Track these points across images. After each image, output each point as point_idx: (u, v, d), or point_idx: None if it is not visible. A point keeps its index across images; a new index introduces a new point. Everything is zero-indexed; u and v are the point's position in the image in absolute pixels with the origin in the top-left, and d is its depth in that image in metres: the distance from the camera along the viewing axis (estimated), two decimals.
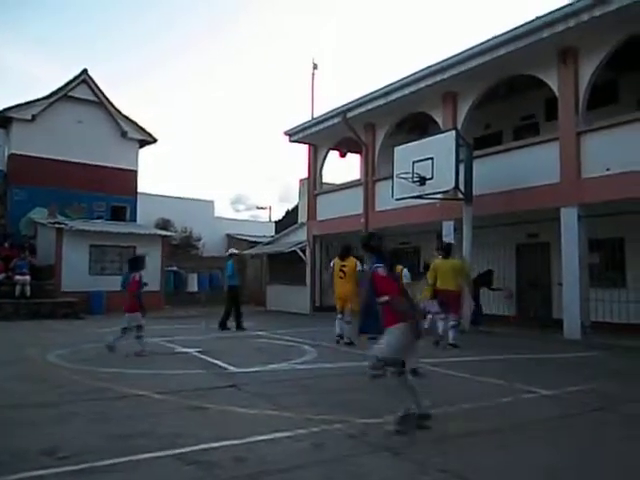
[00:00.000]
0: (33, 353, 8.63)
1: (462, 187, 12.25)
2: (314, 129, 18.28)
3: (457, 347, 9.37)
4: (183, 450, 3.81)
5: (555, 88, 11.84)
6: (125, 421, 4.63)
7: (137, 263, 9.43)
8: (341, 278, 10.07)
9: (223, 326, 12.63)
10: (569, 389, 6.02)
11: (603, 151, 10.90)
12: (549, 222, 12.04)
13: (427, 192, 12.57)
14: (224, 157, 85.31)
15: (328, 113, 17.52)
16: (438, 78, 13.50)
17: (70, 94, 22.01)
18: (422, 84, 13.98)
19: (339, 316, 10.26)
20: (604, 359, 8.65)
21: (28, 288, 16.54)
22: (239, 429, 4.36)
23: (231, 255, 13.61)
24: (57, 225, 18.66)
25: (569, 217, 11.32)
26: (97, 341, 10.36)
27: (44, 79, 69.82)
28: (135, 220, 23.25)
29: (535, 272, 14.24)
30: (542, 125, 14.76)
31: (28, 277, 16.74)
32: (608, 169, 10.72)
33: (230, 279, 13.12)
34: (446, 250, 10.25)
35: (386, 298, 4.36)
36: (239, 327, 12.66)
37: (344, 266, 10.10)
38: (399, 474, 3.46)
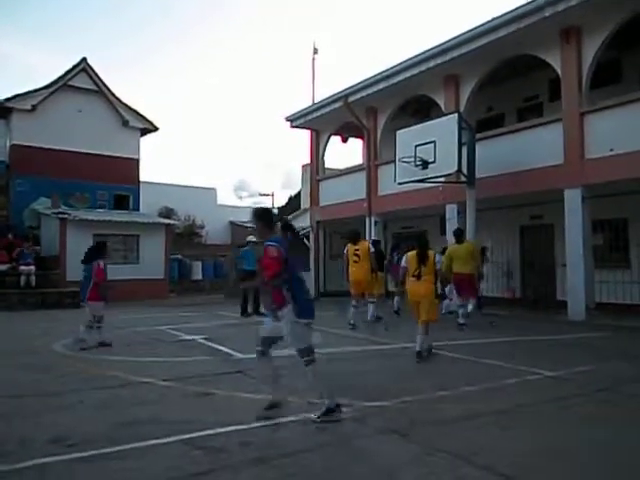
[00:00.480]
0: (39, 342, 8.68)
1: (465, 170, 12.20)
2: (315, 114, 18.18)
3: (463, 329, 9.43)
4: (190, 436, 3.84)
5: (558, 68, 11.72)
6: (131, 408, 4.66)
7: (99, 251, 8.76)
8: (355, 262, 10.01)
9: (244, 312, 12.69)
10: (573, 370, 6.03)
11: (607, 131, 10.81)
12: (553, 204, 11.99)
13: (430, 176, 12.52)
14: (226, 144, 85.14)
15: (329, 98, 17.40)
16: (440, 60, 13.38)
17: (70, 83, 21.94)
18: (424, 67, 13.87)
19: (354, 302, 10.11)
20: (608, 340, 8.65)
21: (33, 278, 16.62)
22: (245, 414, 4.38)
23: (248, 242, 13.66)
24: (60, 215, 18.70)
25: (573, 198, 11.27)
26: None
27: (42, 68, 69.54)
28: (138, 209, 23.27)
29: (539, 254, 14.22)
30: (546, 106, 14.64)
31: (33, 267, 16.81)
32: (612, 149, 10.64)
33: (248, 264, 12.97)
34: (457, 235, 10.39)
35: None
36: (257, 312, 12.46)
37: (357, 249, 10.07)
38: (403, 456, 3.48)
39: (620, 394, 5.08)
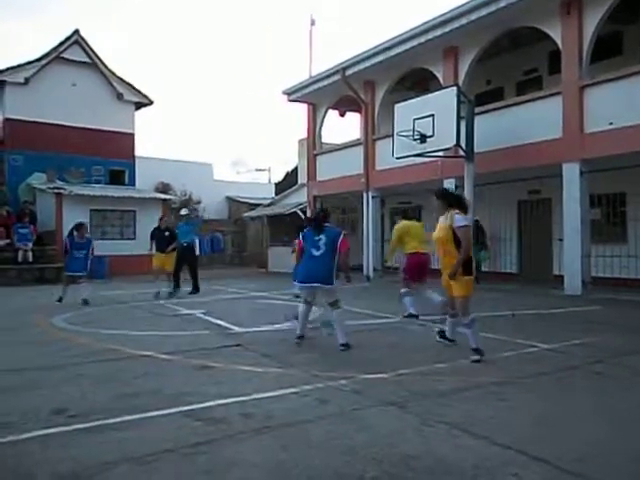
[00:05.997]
0: (38, 317, 8.71)
1: (463, 144, 12.13)
2: (313, 87, 17.98)
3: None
4: (191, 407, 3.88)
5: (558, 40, 11.57)
6: (132, 381, 4.70)
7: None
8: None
9: (176, 287, 11.91)
10: (570, 342, 6.09)
11: (606, 105, 10.74)
12: (551, 178, 11.97)
13: (428, 150, 12.45)
14: (222, 119, 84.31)
15: (327, 71, 17.19)
16: (439, 32, 13.20)
17: (63, 56, 21.56)
18: (422, 39, 13.67)
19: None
20: (605, 313, 8.73)
21: (30, 254, 16.62)
22: (245, 386, 4.43)
23: (182, 216, 13.14)
24: (56, 190, 18.58)
25: (571, 173, 11.24)
26: (100, 304, 10.48)
27: (32, 40, 68.30)
28: (134, 184, 23.13)
29: (536, 228, 14.25)
30: (545, 79, 14.51)
31: (30, 242, 16.80)
32: (611, 123, 10.58)
33: (183, 238, 12.12)
34: (405, 215, 8.84)
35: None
36: (195, 289, 12.24)
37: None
38: (403, 426, 3.53)
39: (615, 366, 5.14)
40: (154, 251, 11.89)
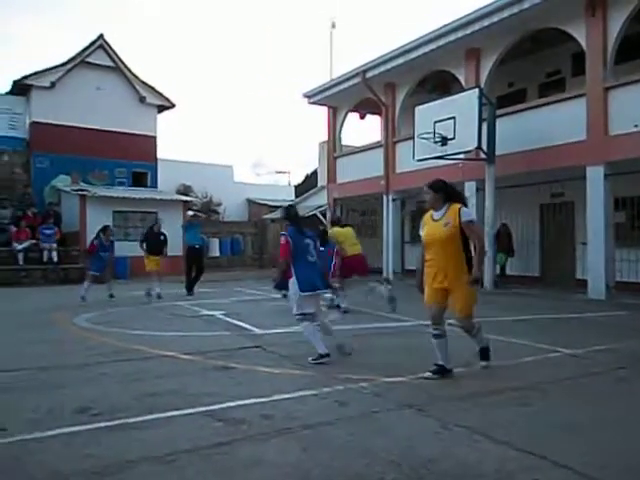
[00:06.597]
0: (62, 317, 8.87)
1: (485, 147, 12.05)
2: (333, 90, 18.02)
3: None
4: (211, 408, 3.91)
5: (583, 42, 11.43)
6: (153, 380, 4.75)
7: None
8: None
9: (190, 290, 12.16)
10: (593, 348, 5.99)
11: (631, 106, 10.57)
12: (574, 181, 11.81)
13: (449, 152, 12.39)
14: (243, 121, 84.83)
15: (347, 74, 17.22)
16: (460, 34, 13.13)
17: (87, 60, 21.93)
18: (444, 41, 13.62)
19: None
20: (629, 319, 8.58)
21: (55, 254, 16.95)
22: (265, 388, 4.45)
23: (191, 217, 13.70)
24: (80, 192, 18.90)
25: (595, 176, 11.08)
26: (123, 305, 10.63)
27: (58, 45, 69.55)
28: (156, 186, 23.40)
29: (559, 232, 14.06)
30: (569, 81, 14.32)
31: (54, 243, 17.15)
32: (636, 125, 10.41)
33: (193, 240, 12.48)
34: (337, 222, 10.08)
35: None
36: (190, 291, 12.16)
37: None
38: (422, 430, 3.52)
39: (639, 372, 5.04)
40: (145, 254, 12.01)
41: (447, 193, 4.82)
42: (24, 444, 3.27)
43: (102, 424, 3.60)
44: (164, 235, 12.13)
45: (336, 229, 9.60)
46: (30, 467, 2.97)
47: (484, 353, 5.01)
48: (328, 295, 9.15)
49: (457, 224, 4.59)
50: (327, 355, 5.32)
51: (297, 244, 5.49)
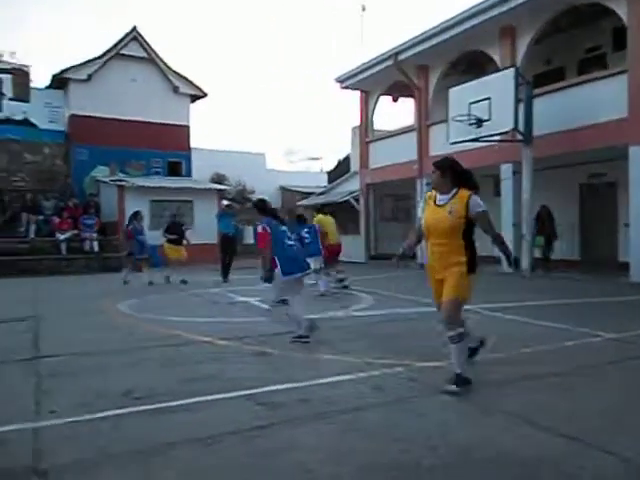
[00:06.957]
0: (105, 304, 9.14)
1: (521, 128, 11.77)
2: (365, 74, 17.84)
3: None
4: (251, 392, 3.98)
5: (624, 16, 10.98)
6: (193, 365, 4.87)
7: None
8: None
9: (225, 277, 12.55)
10: (636, 332, 5.83)
11: None
12: (616, 161, 11.43)
13: (484, 134, 12.15)
14: (275, 108, 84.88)
15: (379, 57, 17.00)
16: (495, 12, 12.79)
17: (122, 52, 22.27)
18: (478, 20, 13.29)
19: None
20: None
21: (96, 243, 17.46)
22: (302, 373, 4.50)
23: (225, 206, 14.43)
24: (119, 182, 19.32)
25: (638, 154, 10.69)
26: (161, 292, 10.88)
27: (91, 37, 70.70)
28: (190, 175, 23.70)
29: (600, 214, 13.66)
30: (610, 57, 13.79)
31: (95, 233, 17.66)
32: None
33: (223, 227, 13.11)
34: (320, 210, 11.31)
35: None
36: (225, 277, 12.53)
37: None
38: (460, 415, 3.51)
39: None
40: (166, 243, 12.67)
41: (456, 174, 4.12)
42: (74, 426, 3.41)
43: (146, 407, 3.72)
44: (183, 224, 13.27)
45: (321, 216, 10.60)
46: (82, 445, 3.11)
47: (458, 378, 3.93)
48: (340, 275, 10.72)
49: (463, 215, 3.93)
50: (307, 337, 5.69)
51: (274, 231, 5.78)
